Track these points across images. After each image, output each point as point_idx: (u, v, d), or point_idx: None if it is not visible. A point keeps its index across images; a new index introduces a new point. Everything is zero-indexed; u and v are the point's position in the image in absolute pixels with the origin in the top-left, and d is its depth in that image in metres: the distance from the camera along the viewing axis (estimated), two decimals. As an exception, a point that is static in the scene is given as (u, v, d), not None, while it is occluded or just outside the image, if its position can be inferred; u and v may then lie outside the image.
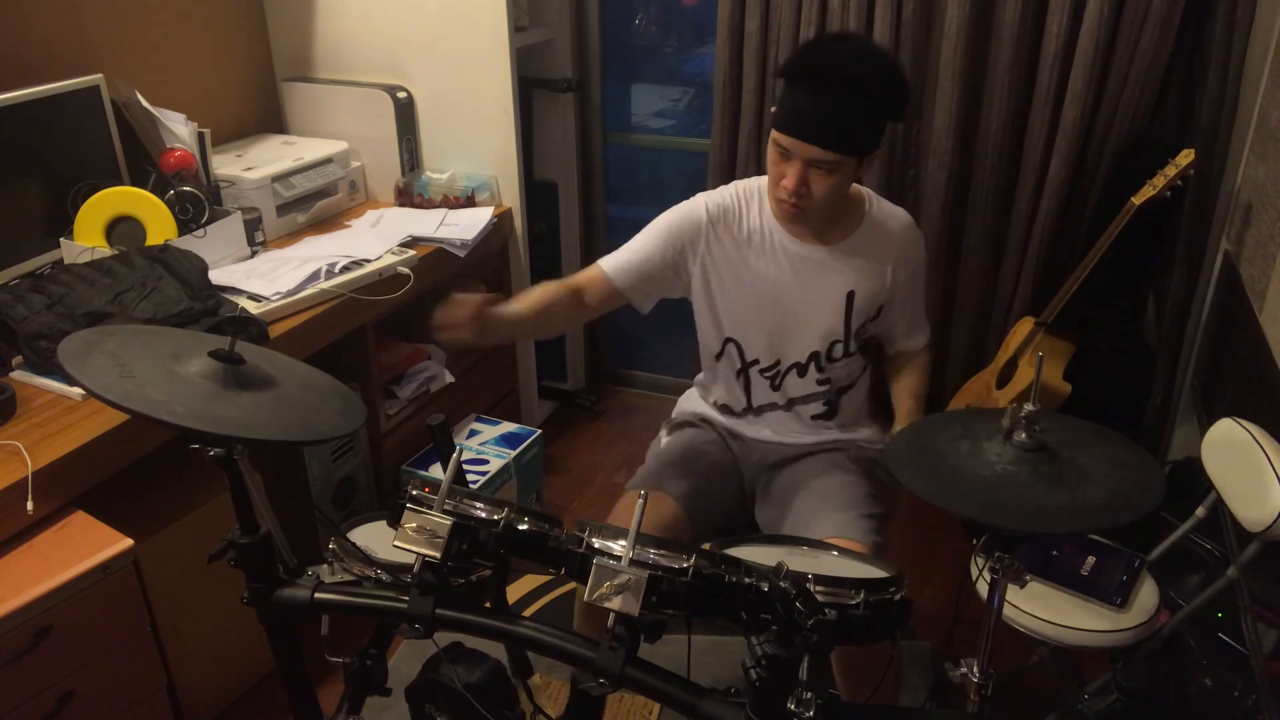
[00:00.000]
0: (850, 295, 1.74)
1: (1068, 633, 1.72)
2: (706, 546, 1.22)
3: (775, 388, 1.83)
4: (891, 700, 1.76)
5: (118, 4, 2.30)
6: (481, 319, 1.53)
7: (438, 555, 1.15)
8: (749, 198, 1.76)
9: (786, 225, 1.72)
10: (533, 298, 1.69)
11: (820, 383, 1.81)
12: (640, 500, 1.14)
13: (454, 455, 1.25)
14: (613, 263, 1.76)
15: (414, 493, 1.21)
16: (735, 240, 1.74)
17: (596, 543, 1.16)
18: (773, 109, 1.62)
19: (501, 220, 2.67)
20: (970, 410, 2.12)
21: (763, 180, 1.76)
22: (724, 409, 1.92)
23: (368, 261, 2.26)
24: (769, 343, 1.78)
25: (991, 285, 2.66)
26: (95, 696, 1.65)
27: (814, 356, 1.78)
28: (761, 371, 1.82)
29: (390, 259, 2.30)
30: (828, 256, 1.72)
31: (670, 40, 3.09)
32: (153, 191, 2.12)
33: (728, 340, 1.82)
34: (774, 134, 1.58)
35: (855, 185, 1.74)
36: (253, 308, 2.01)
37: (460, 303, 1.52)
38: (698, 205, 1.76)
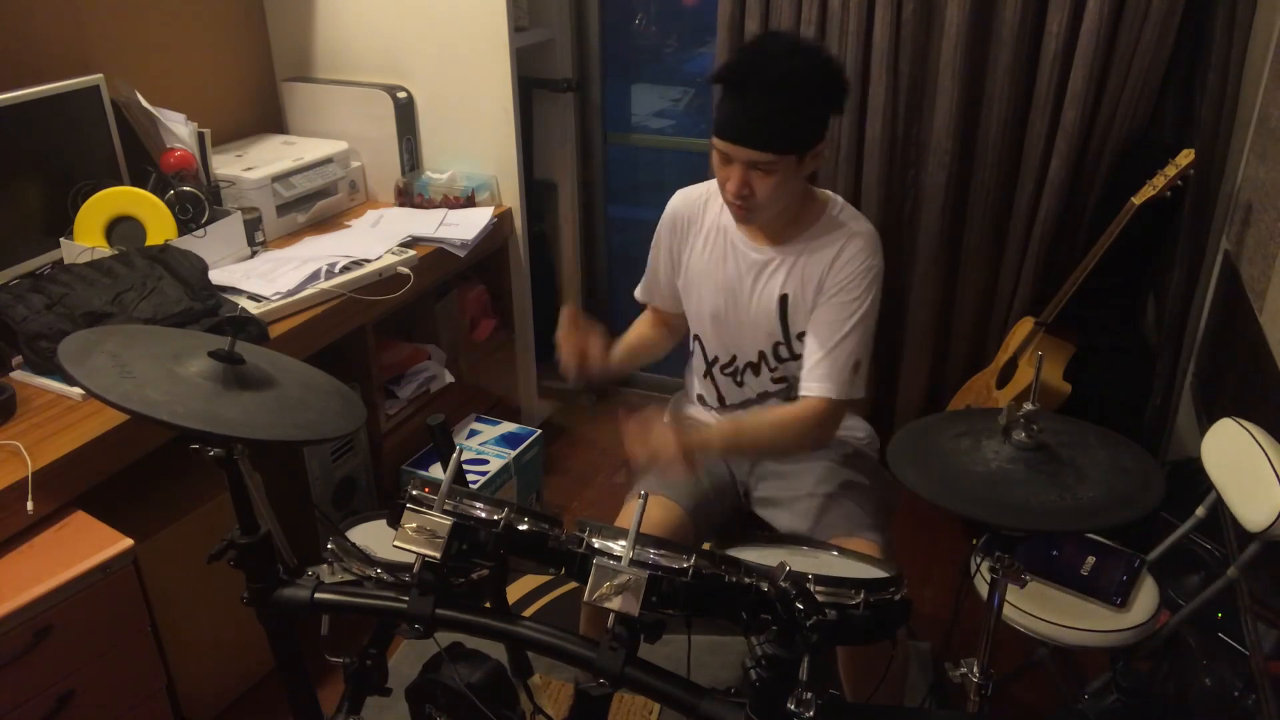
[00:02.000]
0: (784, 299, 1.70)
1: (1068, 633, 1.72)
2: (707, 546, 1.23)
3: (739, 384, 1.83)
4: (896, 700, 1.76)
5: (118, 4, 2.30)
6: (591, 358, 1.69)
7: (438, 555, 1.15)
8: (714, 195, 1.76)
9: (740, 225, 1.72)
10: (632, 334, 1.93)
11: (776, 380, 1.79)
12: (640, 500, 1.14)
13: (454, 455, 1.25)
14: (642, 288, 1.91)
15: (414, 493, 1.21)
16: (694, 237, 1.78)
17: (596, 543, 1.16)
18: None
19: (501, 220, 2.67)
20: (979, 409, 2.12)
21: None
22: (703, 401, 1.92)
23: (368, 261, 2.26)
24: (722, 340, 1.79)
25: (991, 285, 2.66)
26: (95, 696, 1.65)
27: (762, 356, 1.77)
28: (723, 369, 1.82)
29: (390, 259, 2.30)
30: (770, 259, 1.70)
31: (670, 40, 3.09)
32: (153, 191, 2.12)
33: (695, 336, 1.85)
34: (713, 138, 1.56)
35: (824, 191, 1.72)
36: (253, 308, 2.01)
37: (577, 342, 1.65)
38: (673, 202, 1.82)
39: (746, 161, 1.53)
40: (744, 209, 1.59)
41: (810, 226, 1.68)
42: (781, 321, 1.71)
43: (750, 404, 1.85)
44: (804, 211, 1.69)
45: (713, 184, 1.77)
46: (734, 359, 1.80)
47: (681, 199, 1.81)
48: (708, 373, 1.85)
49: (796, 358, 1.74)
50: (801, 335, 1.71)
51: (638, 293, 1.93)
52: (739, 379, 1.82)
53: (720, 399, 1.87)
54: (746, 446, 1.74)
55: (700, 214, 1.78)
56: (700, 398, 1.93)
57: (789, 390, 1.81)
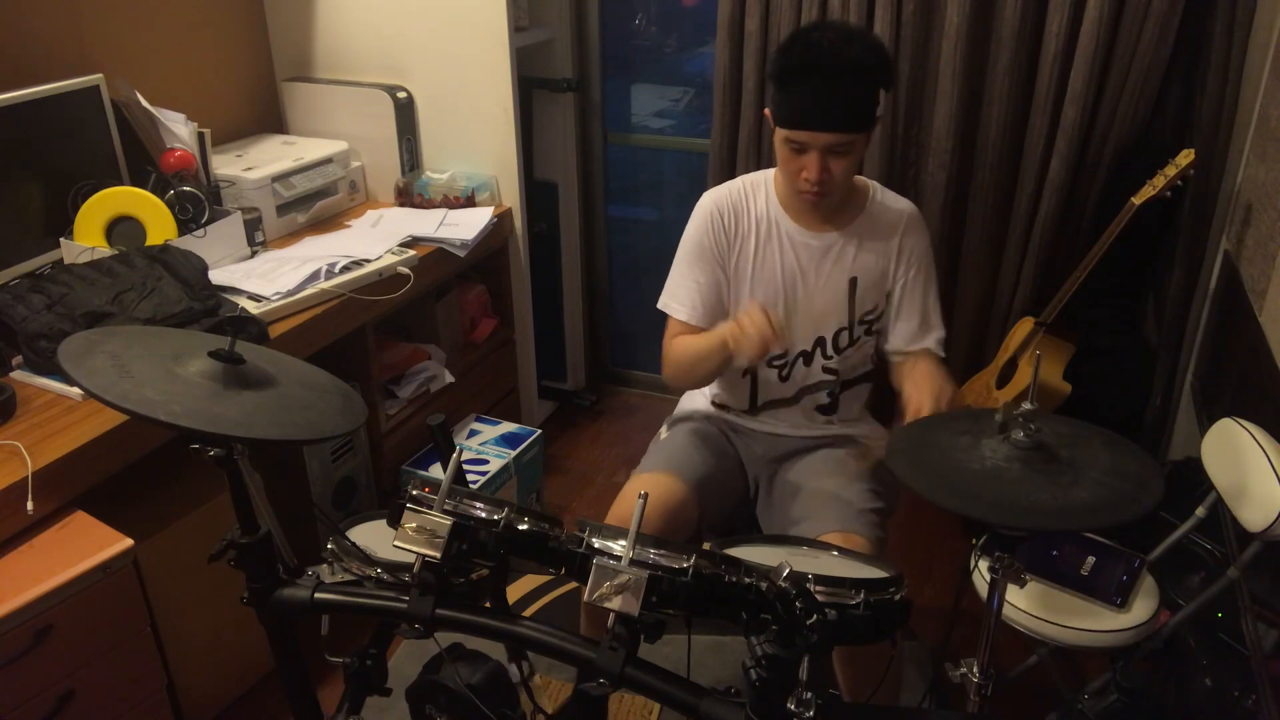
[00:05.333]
0: (853, 282, 1.76)
1: (1068, 633, 1.72)
2: (707, 546, 1.23)
3: (784, 378, 1.83)
4: (891, 700, 1.76)
5: (118, 4, 2.30)
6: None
7: (438, 555, 1.15)
8: (754, 190, 1.79)
9: (794, 214, 1.76)
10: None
11: (827, 371, 1.83)
12: (640, 501, 1.14)
13: (454, 455, 1.25)
14: (688, 309, 1.79)
15: (414, 493, 1.21)
16: (743, 232, 1.78)
17: (596, 543, 1.16)
18: (766, 110, 1.66)
19: (501, 220, 2.67)
20: (980, 409, 2.12)
21: (766, 173, 1.81)
22: (724, 408, 1.92)
23: (368, 261, 2.26)
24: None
25: (991, 285, 2.66)
26: (95, 696, 1.65)
27: (820, 343, 1.80)
28: (770, 362, 1.82)
29: (390, 259, 2.30)
30: (832, 243, 1.76)
31: (670, 40, 3.09)
32: (153, 191, 2.12)
33: None
34: (784, 133, 1.60)
35: (858, 176, 1.78)
36: (253, 308, 2.01)
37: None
38: (707, 206, 1.80)
39: (825, 147, 1.58)
40: (820, 194, 1.65)
41: (861, 209, 1.77)
42: (850, 304, 1.77)
43: (785, 403, 1.86)
44: (852, 194, 1.77)
45: (745, 180, 1.81)
46: (787, 351, 1.82)
47: (715, 199, 1.79)
48: (747, 371, 1.85)
49: (855, 344, 1.80)
50: (867, 316, 1.78)
51: (684, 314, 1.80)
52: (785, 372, 1.83)
53: (752, 398, 1.87)
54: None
55: (744, 209, 1.78)
56: (718, 403, 1.92)
57: (834, 386, 1.85)
